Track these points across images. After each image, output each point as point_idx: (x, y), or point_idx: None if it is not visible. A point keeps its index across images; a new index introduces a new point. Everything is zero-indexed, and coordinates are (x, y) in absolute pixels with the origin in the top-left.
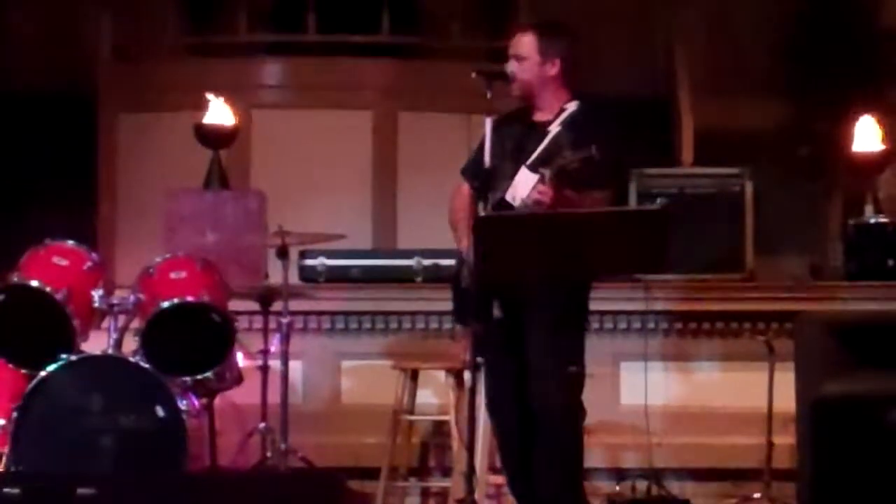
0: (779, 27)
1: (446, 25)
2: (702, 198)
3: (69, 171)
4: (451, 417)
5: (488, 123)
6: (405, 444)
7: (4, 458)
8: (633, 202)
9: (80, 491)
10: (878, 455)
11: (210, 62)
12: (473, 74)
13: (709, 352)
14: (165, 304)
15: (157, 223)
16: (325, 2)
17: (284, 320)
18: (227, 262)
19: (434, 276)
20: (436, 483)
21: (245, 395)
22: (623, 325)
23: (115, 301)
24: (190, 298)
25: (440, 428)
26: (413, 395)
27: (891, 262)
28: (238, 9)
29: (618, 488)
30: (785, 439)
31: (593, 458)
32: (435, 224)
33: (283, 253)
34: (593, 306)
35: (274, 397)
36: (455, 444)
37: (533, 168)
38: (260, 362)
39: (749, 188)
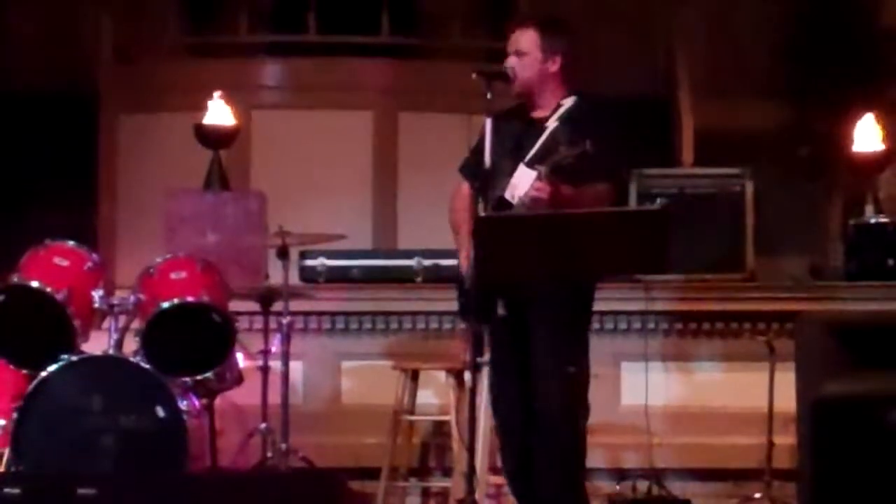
0: (779, 27)
1: (446, 25)
2: (702, 198)
3: (69, 171)
4: (451, 418)
5: (488, 122)
6: (406, 444)
7: (5, 458)
8: (633, 202)
9: (81, 491)
10: (879, 455)
11: (210, 62)
12: (473, 75)
13: (709, 352)
14: (166, 305)
15: (157, 223)
16: (325, 2)
17: (285, 321)
18: (228, 262)
19: (434, 277)
20: (436, 483)
21: (245, 395)
22: (623, 326)
23: (115, 301)
24: (190, 299)
25: (440, 428)
26: (413, 396)
27: (891, 262)
28: (238, 9)
29: (618, 488)
30: (785, 439)
31: (594, 458)
32: (435, 224)
33: (283, 253)
34: (593, 306)
35: (274, 397)
36: (455, 444)
37: (531, 165)
38: (260, 363)
39: (749, 188)
